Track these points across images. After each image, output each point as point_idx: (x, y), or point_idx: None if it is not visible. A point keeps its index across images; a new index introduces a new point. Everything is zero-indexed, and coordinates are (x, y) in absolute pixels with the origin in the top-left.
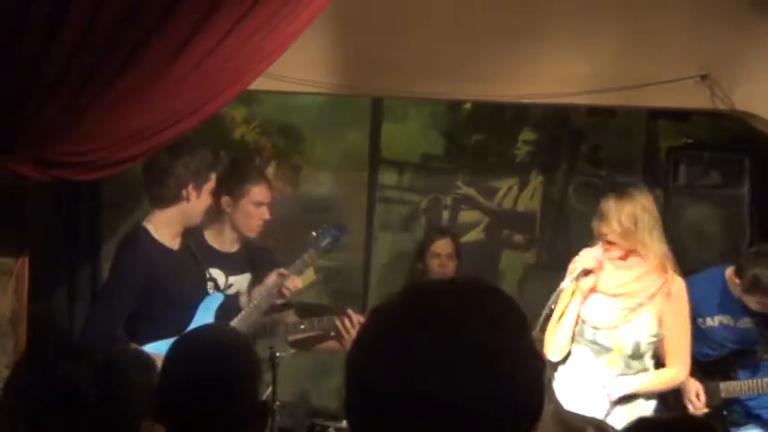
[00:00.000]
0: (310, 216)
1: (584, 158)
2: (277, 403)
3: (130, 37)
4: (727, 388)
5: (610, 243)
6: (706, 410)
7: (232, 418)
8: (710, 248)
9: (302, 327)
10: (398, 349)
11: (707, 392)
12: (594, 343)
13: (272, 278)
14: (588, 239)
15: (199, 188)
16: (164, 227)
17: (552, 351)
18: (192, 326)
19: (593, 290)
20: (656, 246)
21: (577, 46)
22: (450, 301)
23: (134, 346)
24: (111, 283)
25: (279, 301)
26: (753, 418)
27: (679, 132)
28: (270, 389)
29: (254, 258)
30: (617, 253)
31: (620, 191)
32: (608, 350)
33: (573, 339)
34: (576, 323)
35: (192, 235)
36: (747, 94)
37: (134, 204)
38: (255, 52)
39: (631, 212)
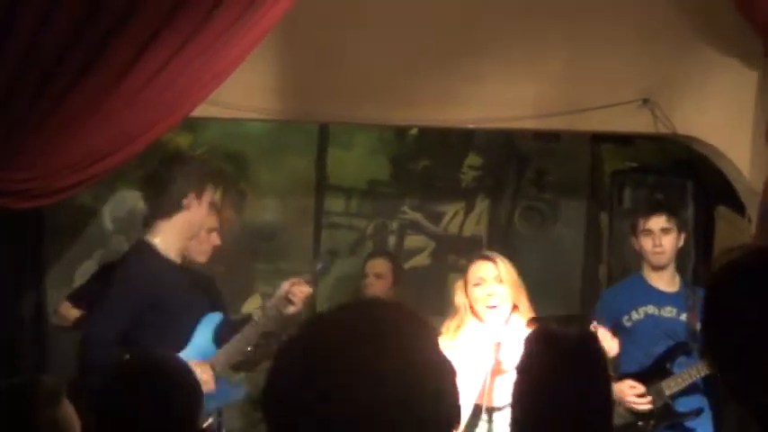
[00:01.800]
0: (256, 243)
1: (530, 182)
2: (223, 431)
3: (71, 64)
4: (669, 384)
5: (492, 307)
6: (650, 407)
7: None
8: None
9: (255, 318)
10: (306, 382)
11: (652, 395)
12: None
13: (284, 287)
14: (535, 261)
15: (199, 196)
16: (168, 240)
17: None
18: (191, 343)
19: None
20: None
21: (521, 71)
22: (351, 330)
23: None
24: (111, 297)
25: (290, 310)
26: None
27: (623, 156)
28: (214, 417)
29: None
30: (504, 315)
31: (482, 255)
32: None
33: None
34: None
35: None
36: (688, 119)
37: (80, 230)
38: (199, 76)
39: (510, 267)
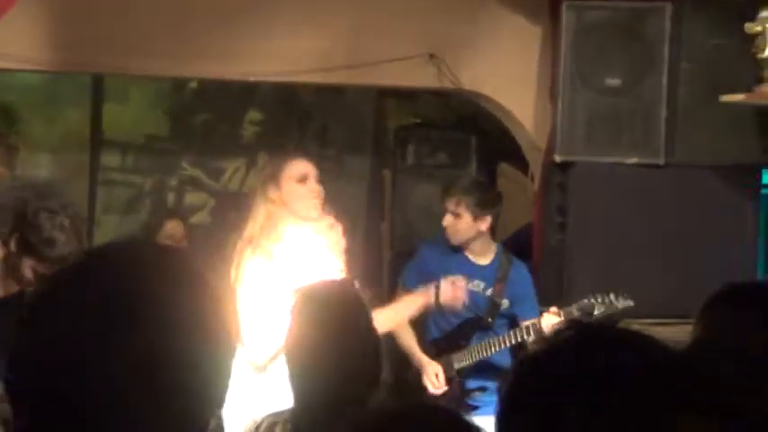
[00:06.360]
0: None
1: (312, 138)
2: None
3: None
4: (459, 357)
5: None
6: (444, 389)
7: None
8: (439, 227)
9: None
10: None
11: (443, 367)
12: None
13: None
14: None
15: None
16: None
17: None
18: None
19: None
20: None
21: (306, 23)
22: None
23: None
24: None
25: None
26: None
27: (407, 112)
28: None
29: None
30: None
31: (295, 153)
32: None
33: None
34: None
35: None
36: (475, 74)
37: None
38: None
39: None
